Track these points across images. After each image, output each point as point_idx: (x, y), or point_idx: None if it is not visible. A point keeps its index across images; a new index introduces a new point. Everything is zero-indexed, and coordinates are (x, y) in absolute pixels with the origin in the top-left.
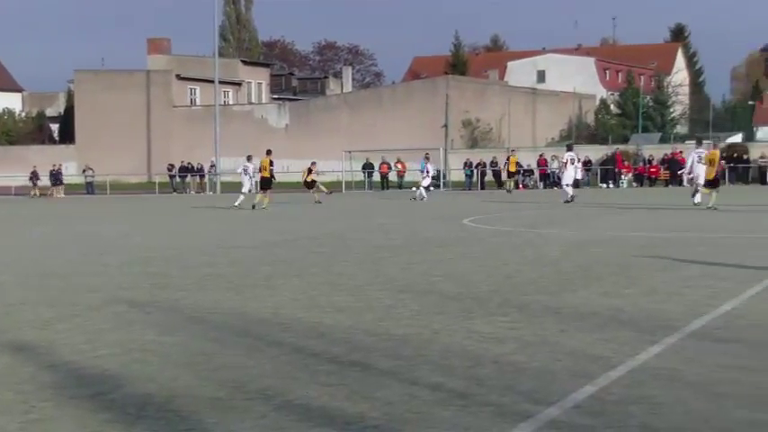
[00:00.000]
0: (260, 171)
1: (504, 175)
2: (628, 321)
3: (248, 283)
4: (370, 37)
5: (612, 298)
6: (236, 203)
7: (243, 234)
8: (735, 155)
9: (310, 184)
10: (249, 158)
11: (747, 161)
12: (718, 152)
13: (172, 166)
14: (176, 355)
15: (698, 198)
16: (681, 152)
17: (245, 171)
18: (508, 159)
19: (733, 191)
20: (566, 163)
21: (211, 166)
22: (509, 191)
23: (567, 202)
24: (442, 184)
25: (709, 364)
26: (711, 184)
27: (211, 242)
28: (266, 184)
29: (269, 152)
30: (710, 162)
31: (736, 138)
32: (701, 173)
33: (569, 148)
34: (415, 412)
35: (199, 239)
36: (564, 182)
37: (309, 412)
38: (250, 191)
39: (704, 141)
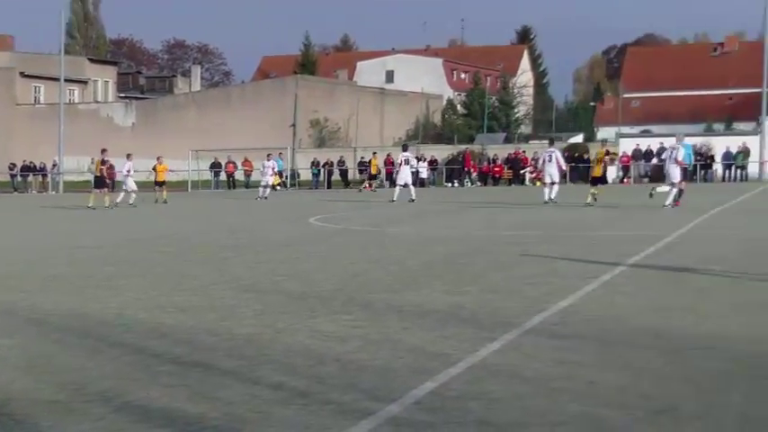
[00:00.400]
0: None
1: (350, 174)
2: (468, 318)
3: (90, 284)
4: (219, 36)
5: (454, 295)
6: (131, 202)
7: (85, 234)
8: (576, 154)
9: (161, 183)
10: (129, 156)
11: (588, 161)
12: (604, 150)
13: (13, 165)
14: (14, 358)
15: (553, 194)
16: (524, 152)
17: (128, 171)
18: (370, 162)
19: (574, 189)
20: (400, 163)
21: (54, 165)
22: (360, 190)
23: (392, 201)
24: (288, 183)
25: (546, 360)
26: (598, 181)
27: (53, 242)
28: (99, 183)
29: (103, 151)
30: (598, 160)
31: (578, 138)
32: (555, 172)
33: (404, 149)
34: (256, 412)
35: (40, 240)
36: (399, 182)
37: (149, 413)
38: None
39: (608, 141)
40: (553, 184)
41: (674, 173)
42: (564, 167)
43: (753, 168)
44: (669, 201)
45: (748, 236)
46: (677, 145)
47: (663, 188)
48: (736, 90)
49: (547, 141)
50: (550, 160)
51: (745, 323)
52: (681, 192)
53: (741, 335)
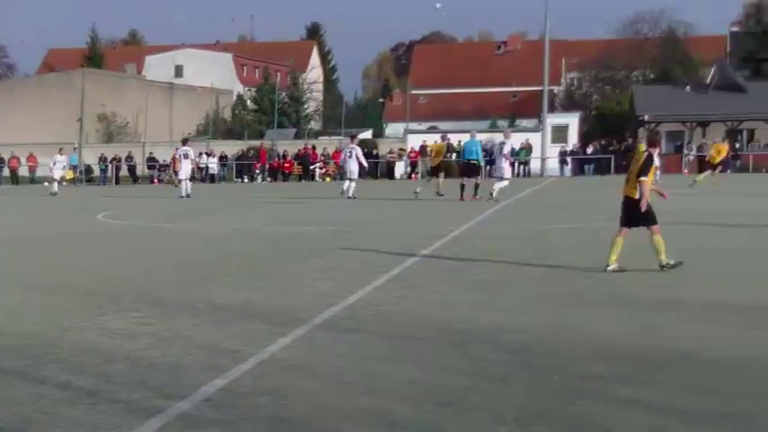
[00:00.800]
0: None
1: (139, 170)
2: (259, 314)
3: None
4: (1, 28)
5: (244, 292)
6: None
7: None
8: (365, 150)
9: None
10: None
11: (377, 156)
12: (444, 144)
13: None
14: None
15: (350, 191)
16: (313, 147)
17: None
18: (173, 158)
19: (364, 185)
20: (179, 158)
21: None
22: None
23: (182, 197)
24: (77, 178)
25: (336, 354)
26: (434, 171)
27: None
28: None
29: None
30: (437, 153)
31: (367, 134)
32: (354, 168)
33: (184, 143)
34: (42, 412)
35: None
36: (180, 177)
37: None
38: None
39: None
40: (351, 180)
41: (505, 167)
42: (365, 164)
43: (535, 164)
44: (495, 193)
45: (526, 229)
46: (505, 140)
47: (500, 185)
48: (519, 88)
49: (348, 138)
50: (351, 156)
51: (529, 315)
52: (477, 186)
53: (525, 326)
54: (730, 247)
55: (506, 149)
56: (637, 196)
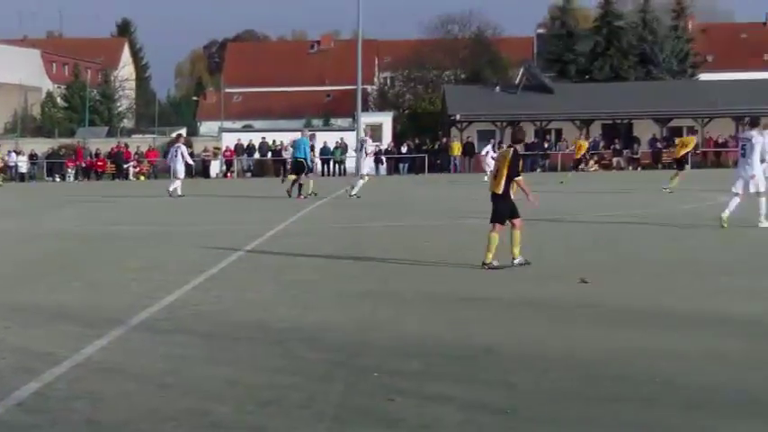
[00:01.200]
0: None
1: None
2: (72, 316)
3: None
4: None
5: (57, 293)
6: None
7: None
8: None
9: None
10: None
11: (192, 155)
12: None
13: None
14: None
15: (172, 187)
16: (126, 146)
17: None
18: None
19: (185, 184)
20: None
21: None
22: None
23: None
24: None
25: (154, 356)
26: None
27: None
28: None
29: None
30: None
31: (181, 132)
32: (180, 167)
33: None
34: None
35: None
36: None
37: None
38: None
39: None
40: (177, 178)
41: (368, 164)
42: (190, 162)
43: (350, 163)
44: (356, 191)
45: (342, 227)
46: (366, 138)
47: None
48: (332, 87)
49: (175, 136)
50: (176, 156)
51: (346, 313)
52: (300, 185)
53: (342, 324)
54: (543, 244)
55: (370, 149)
56: (500, 192)
